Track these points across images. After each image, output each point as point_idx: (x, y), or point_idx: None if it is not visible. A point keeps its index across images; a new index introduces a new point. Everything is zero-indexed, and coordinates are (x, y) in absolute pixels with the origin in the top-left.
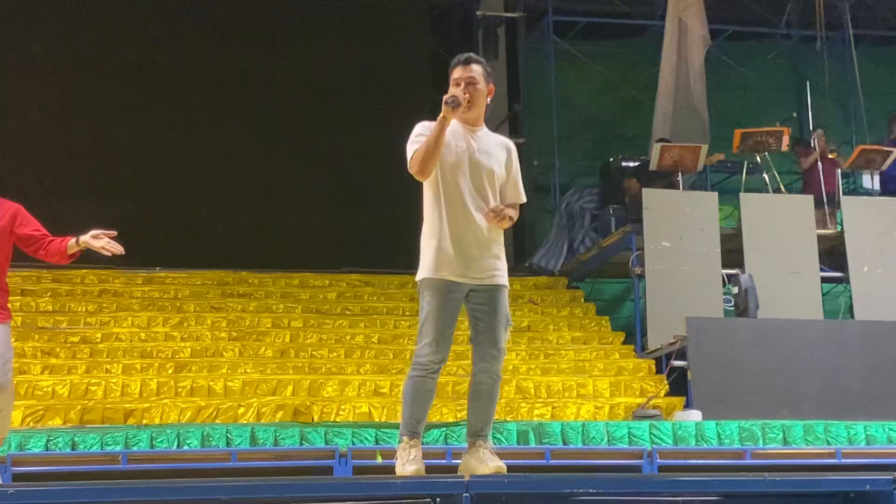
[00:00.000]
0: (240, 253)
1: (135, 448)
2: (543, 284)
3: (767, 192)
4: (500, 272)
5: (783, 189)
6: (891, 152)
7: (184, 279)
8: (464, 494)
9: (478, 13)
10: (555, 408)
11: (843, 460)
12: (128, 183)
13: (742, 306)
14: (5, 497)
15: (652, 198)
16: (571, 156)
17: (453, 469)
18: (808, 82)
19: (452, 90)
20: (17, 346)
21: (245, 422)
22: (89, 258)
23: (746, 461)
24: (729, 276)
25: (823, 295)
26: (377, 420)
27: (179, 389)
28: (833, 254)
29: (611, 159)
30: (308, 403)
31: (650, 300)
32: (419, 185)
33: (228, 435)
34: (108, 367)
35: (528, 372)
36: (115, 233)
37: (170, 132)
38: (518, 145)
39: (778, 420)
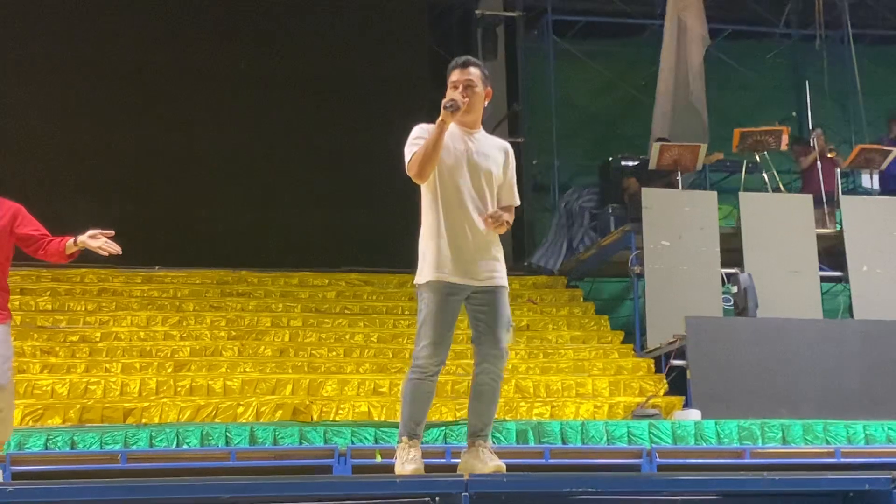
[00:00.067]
0: (240, 253)
1: (134, 447)
2: (543, 284)
3: (767, 191)
4: (500, 273)
5: (782, 188)
6: (890, 151)
7: (183, 278)
8: (463, 493)
9: (477, 12)
10: (554, 407)
11: (843, 459)
12: (128, 183)
13: (741, 306)
14: (4, 495)
15: (651, 197)
16: (571, 155)
17: (453, 468)
18: (807, 81)
19: (450, 93)
20: (16, 345)
21: (244, 421)
22: (89, 257)
23: (745, 460)
24: (728, 275)
25: (823, 294)
26: (376, 419)
27: (178, 388)
28: (832, 253)
29: (610, 158)
30: (307, 402)
31: (649, 299)
32: (418, 186)
33: (227, 434)
34: (107, 366)
35: (528, 371)
36: (112, 232)
37: (170, 132)
38: (516, 145)
39: (777, 419)
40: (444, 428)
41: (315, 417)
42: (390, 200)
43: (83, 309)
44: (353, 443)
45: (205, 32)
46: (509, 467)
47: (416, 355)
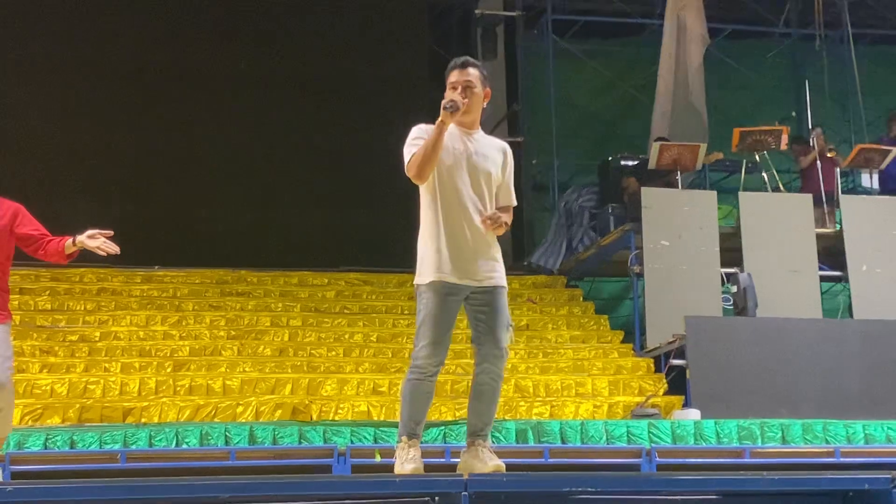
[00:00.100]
0: (239, 253)
1: (133, 447)
2: (542, 283)
3: (766, 190)
4: (499, 273)
5: (782, 188)
6: (889, 151)
7: (182, 278)
8: (462, 493)
9: (476, 12)
10: (553, 406)
11: (842, 459)
12: (128, 183)
13: (741, 305)
14: (4, 494)
15: (651, 196)
16: (570, 155)
17: (452, 468)
18: (806, 81)
19: (450, 94)
20: (15, 345)
21: (244, 420)
22: (88, 257)
23: (745, 460)
24: (728, 274)
25: (822, 294)
26: (376, 419)
27: (178, 388)
28: (832, 253)
29: (610, 158)
30: (307, 402)
31: (649, 299)
32: (417, 186)
33: (227, 433)
34: (106, 365)
35: (527, 371)
36: (111, 232)
37: (170, 132)
38: (516, 144)
39: (776, 419)
40: (443, 427)
41: (314, 417)
42: (390, 200)
43: (82, 308)
44: (352, 442)
45: (205, 32)
46: (509, 467)
47: (415, 355)
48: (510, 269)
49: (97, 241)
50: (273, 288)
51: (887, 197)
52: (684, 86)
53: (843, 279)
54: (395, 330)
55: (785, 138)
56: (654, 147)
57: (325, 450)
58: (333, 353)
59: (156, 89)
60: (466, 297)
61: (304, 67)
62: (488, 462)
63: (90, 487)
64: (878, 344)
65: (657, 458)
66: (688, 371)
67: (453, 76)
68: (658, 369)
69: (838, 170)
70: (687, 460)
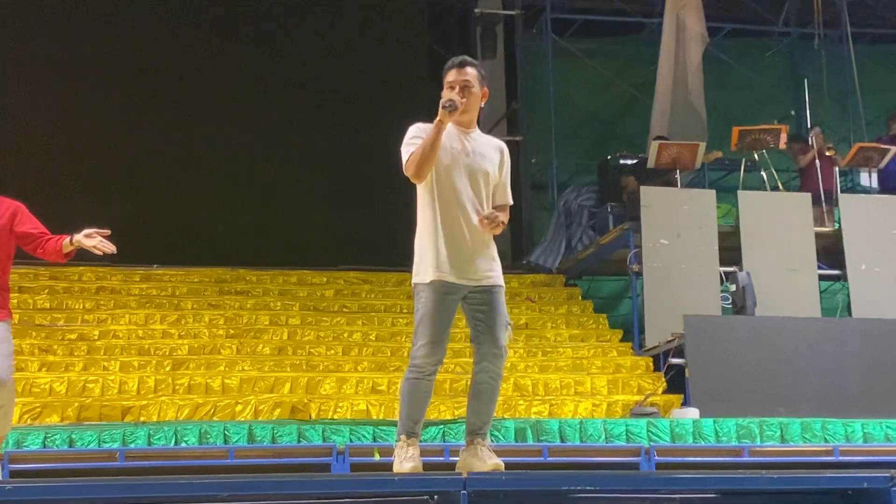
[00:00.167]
0: (239, 253)
1: (132, 445)
2: (541, 282)
3: (765, 189)
4: (496, 272)
5: (781, 187)
6: (888, 150)
7: (181, 276)
8: (462, 492)
9: (476, 11)
10: (552, 405)
11: (841, 458)
12: (127, 182)
13: (740, 304)
14: (3, 493)
15: (650, 195)
16: (569, 153)
17: (451, 466)
18: (805, 80)
19: (447, 94)
20: (14, 344)
21: (242, 419)
22: (87, 256)
23: (744, 458)
24: (727, 273)
25: (821, 292)
26: (375, 417)
27: (177, 387)
28: (831, 251)
29: (609, 157)
30: (306, 401)
31: (648, 298)
32: (415, 185)
33: (226, 432)
34: (105, 364)
35: (526, 369)
36: (108, 232)
37: (170, 132)
38: (515, 143)
39: (775, 418)
40: (442, 426)
41: (313, 416)
42: (389, 200)
43: (81, 307)
44: (351, 441)
45: (205, 32)
46: (508, 465)
47: (413, 354)
48: (509, 268)
49: (94, 240)
50: (272, 287)
51: (886, 196)
52: (683, 85)
53: (842, 278)
54: (394, 329)
55: (784, 137)
56: (653, 146)
57: (324, 448)
58: (332, 351)
59: (156, 89)
60: (464, 296)
61: (304, 67)
62: (487, 461)
63: (89, 486)
64: (876, 343)
65: (656, 457)
66: (686, 370)
67: (451, 75)
68: (657, 368)
69: (837, 169)
70: (686, 459)
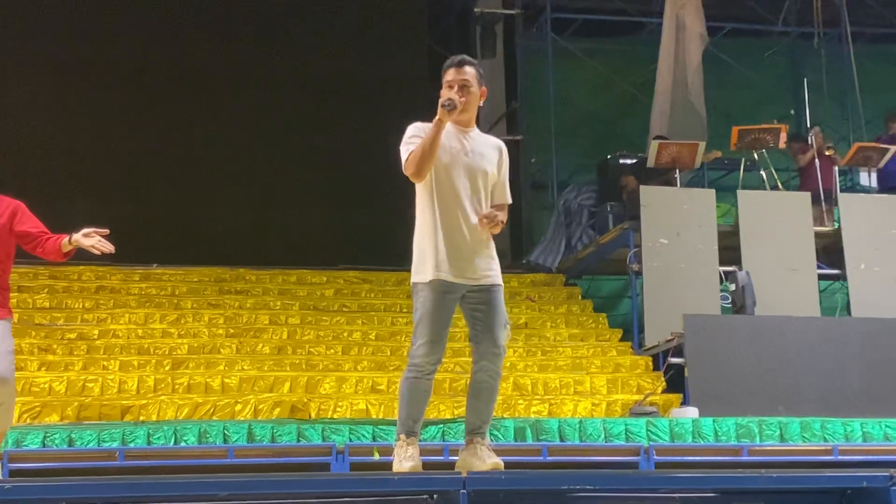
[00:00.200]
0: (239, 253)
1: (132, 445)
2: (541, 281)
3: (765, 189)
4: (495, 272)
5: (780, 186)
6: (888, 149)
7: (181, 276)
8: (461, 491)
9: (475, 10)
10: (552, 405)
11: (840, 457)
12: (127, 182)
13: (739, 303)
14: (2, 492)
15: (649, 195)
16: (569, 153)
17: (450, 466)
18: (805, 79)
19: (446, 93)
20: (13, 343)
21: (242, 418)
22: (86, 255)
23: (743, 458)
24: (726, 273)
25: (820, 292)
26: (374, 417)
27: (176, 386)
28: (830, 251)
29: (608, 156)
30: (305, 400)
31: (647, 297)
32: (414, 185)
33: (225, 431)
34: (105, 363)
35: (526, 369)
36: (106, 231)
37: (170, 132)
38: (515, 142)
39: (775, 417)
40: (441, 425)
41: (313, 415)
42: (389, 200)
43: (81, 306)
44: (350, 440)
45: (205, 32)
46: (507, 465)
47: (412, 354)
48: (508, 267)
49: (92, 239)
50: (272, 286)
51: (885, 195)
52: (683, 84)
53: (842, 277)
54: (393, 328)
55: (783, 136)
56: (653, 145)
57: (324, 448)
58: (332, 351)
59: (156, 89)
60: (463, 295)
61: (304, 67)
62: (487, 460)
63: (88, 485)
64: (876, 342)
65: (655, 456)
66: (686, 369)
67: (450, 75)
68: (656, 367)
69: (837, 168)
70: (685, 458)
